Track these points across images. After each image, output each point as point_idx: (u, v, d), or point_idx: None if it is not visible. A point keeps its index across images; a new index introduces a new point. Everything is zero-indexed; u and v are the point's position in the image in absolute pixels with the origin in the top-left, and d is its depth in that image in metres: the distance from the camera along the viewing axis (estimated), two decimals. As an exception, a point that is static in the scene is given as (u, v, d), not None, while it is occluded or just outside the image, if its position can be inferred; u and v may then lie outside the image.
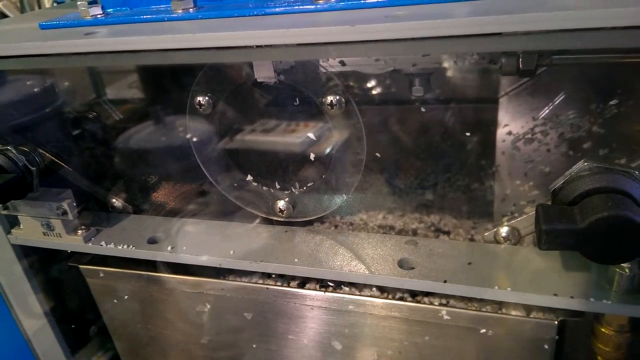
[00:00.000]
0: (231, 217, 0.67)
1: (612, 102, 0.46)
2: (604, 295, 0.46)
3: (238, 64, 0.57)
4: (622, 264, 0.45)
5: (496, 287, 0.49)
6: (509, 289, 0.49)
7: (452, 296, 0.56)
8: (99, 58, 0.52)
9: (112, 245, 0.64)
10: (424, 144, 0.59)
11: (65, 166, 0.68)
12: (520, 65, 0.47)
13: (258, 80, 0.56)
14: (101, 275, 0.69)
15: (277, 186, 0.63)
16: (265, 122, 0.61)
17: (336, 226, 0.64)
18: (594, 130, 0.48)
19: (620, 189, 0.39)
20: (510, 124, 0.51)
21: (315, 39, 0.42)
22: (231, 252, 0.60)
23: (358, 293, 0.58)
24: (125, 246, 0.63)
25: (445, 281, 0.51)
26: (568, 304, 0.47)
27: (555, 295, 0.47)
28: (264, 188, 0.63)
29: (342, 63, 0.55)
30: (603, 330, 0.49)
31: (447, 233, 0.59)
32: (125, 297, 0.70)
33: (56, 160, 0.67)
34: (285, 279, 0.62)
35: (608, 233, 0.38)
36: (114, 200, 0.71)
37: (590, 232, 0.38)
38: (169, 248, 0.62)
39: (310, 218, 0.63)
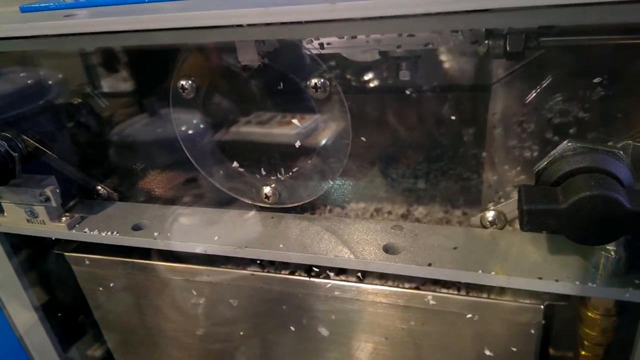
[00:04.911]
0: (217, 205, 0.66)
1: (597, 85, 0.45)
2: (589, 278, 0.46)
3: (222, 47, 0.56)
4: (608, 247, 0.45)
5: (480, 271, 0.49)
6: (493, 272, 0.48)
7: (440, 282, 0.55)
8: (79, 40, 0.51)
9: (96, 232, 0.63)
10: (411, 129, 0.58)
11: (49, 152, 0.67)
12: (508, 48, 0.46)
13: (242, 63, 0.56)
14: (87, 262, 0.69)
15: (263, 172, 0.62)
16: (250, 107, 0.60)
17: (323, 212, 0.63)
18: (580, 113, 0.47)
19: (604, 168, 0.39)
20: (496, 107, 0.50)
21: (296, 17, 0.42)
22: (216, 238, 0.59)
23: (344, 279, 0.58)
24: (109, 233, 0.62)
25: (430, 265, 0.50)
26: (553, 287, 0.46)
27: (540, 278, 0.47)
28: (250, 174, 0.62)
29: (322, 46, 0.54)
30: (589, 314, 0.49)
31: (433, 218, 0.59)
32: (111, 284, 0.69)
33: (39, 146, 0.66)
34: (272, 265, 0.62)
35: (591, 213, 0.37)
36: (99, 187, 0.70)
37: (572, 212, 0.37)
38: (155, 234, 0.61)
39: (296, 204, 0.62)
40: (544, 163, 0.42)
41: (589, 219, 0.37)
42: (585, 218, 0.37)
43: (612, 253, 0.45)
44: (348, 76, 0.57)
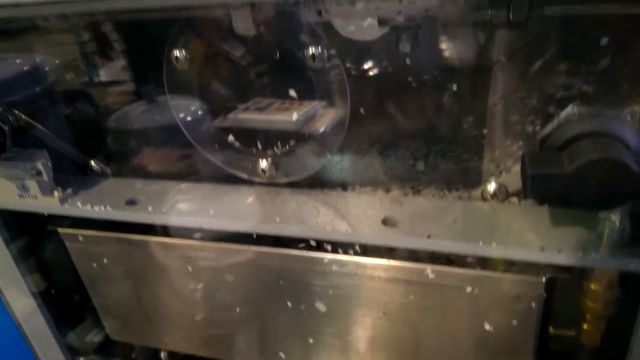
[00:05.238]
0: (213, 181, 0.65)
1: (602, 52, 0.44)
2: (593, 248, 0.44)
3: (216, 16, 0.54)
4: (612, 217, 0.44)
5: (481, 242, 0.48)
6: (494, 244, 0.47)
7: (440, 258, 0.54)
8: (69, 5, 0.49)
9: (89, 207, 0.62)
10: (411, 102, 0.56)
11: (40, 127, 0.65)
12: (511, 17, 0.45)
13: (237, 32, 0.54)
14: (80, 239, 0.68)
15: (259, 146, 0.60)
16: (246, 80, 0.59)
17: (321, 187, 0.62)
18: (585, 84, 0.46)
19: (611, 132, 0.37)
20: (497, 78, 0.49)
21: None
22: (211, 212, 0.58)
23: (341, 253, 0.57)
24: (102, 207, 0.61)
25: (429, 236, 0.49)
26: (556, 258, 0.45)
27: (543, 249, 0.46)
28: (246, 148, 0.61)
29: (319, 14, 0.52)
30: (592, 286, 0.48)
31: (434, 192, 0.57)
32: (105, 261, 0.68)
33: (31, 120, 0.65)
34: (269, 240, 0.61)
35: (597, 177, 0.36)
36: (92, 163, 0.69)
37: (578, 176, 0.36)
38: (149, 208, 0.60)
39: (293, 179, 0.61)
40: (548, 129, 0.41)
41: (595, 183, 0.36)
42: (592, 182, 0.36)
43: (617, 223, 0.44)
44: (346, 46, 0.56)
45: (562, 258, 0.45)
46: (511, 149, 0.52)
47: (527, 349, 0.53)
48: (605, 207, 0.39)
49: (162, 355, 0.88)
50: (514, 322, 0.52)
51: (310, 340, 0.64)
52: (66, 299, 0.83)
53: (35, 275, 0.79)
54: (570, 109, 0.40)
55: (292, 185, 0.61)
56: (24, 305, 0.79)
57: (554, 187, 0.36)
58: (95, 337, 0.88)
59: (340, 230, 0.53)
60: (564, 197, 0.37)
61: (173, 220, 0.59)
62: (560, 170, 0.36)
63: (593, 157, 0.35)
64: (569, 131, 0.39)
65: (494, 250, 0.47)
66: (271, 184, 0.62)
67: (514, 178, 0.52)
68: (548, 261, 0.46)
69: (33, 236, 0.77)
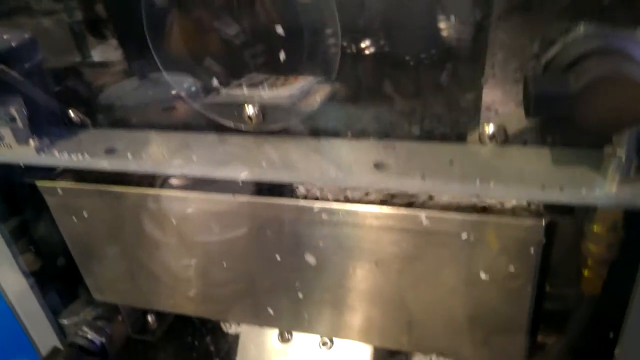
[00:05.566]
0: (197, 130, 0.62)
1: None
2: (597, 185, 0.42)
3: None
4: (618, 151, 0.41)
5: (478, 182, 0.45)
6: (492, 183, 0.44)
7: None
8: None
9: (66, 156, 0.59)
10: (406, 40, 0.53)
11: (15, 74, 0.62)
12: None
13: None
14: (59, 192, 0.65)
15: (245, 90, 0.57)
16: (229, 14, 0.55)
17: (311, 135, 0.58)
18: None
19: (621, 50, 0.34)
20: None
21: None
22: (194, 158, 0.55)
23: (331, 199, 0.54)
24: (80, 156, 0.58)
25: (423, 177, 0.47)
26: (557, 196, 0.42)
27: (543, 187, 0.43)
28: (231, 93, 0.58)
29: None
30: (595, 228, 0.45)
31: (429, 135, 0.54)
32: (86, 215, 0.65)
33: (4, 67, 0.61)
34: (255, 188, 0.58)
35: (606, 96, 0.33)
36: (71, 112, 0.65)
37: (585, 96, 0.33)
38: (129, 156, 0.57)
39: (281, 126, 0.58)
40: (552, 52, 0.38)
41: (603, 103, 0.33)
42: (600, 103, 0.33)
43: (623, 158, 0.41)
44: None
45: (564, 196, 0.42)
46: (512, 91, 0.49)
47: (525, 299, 0.51)
48: (614, 131, 0.36)
49: (150, 319, 0.86)
50: (512, 270, 0.50)
51: (300, 295, 0.62)
52: (51, 264, 0.81)
53: (20, 241, 0.77)
54: (577, 30, 0.37)
55: (281, 133, 0.58)
56: (11, 279, 0.77)
57: (559, 108, 0.33)
58: (87, 316, 0.86)
59: (330, 174, 0.50)
60: (570, 118, 0.34)
61: (154, 167, 0.56)
62: (565, 90, 0.33)
63: (602, 74, 0.32)
64: (575, 50, 0.36)
65: (492, 190, 0.44)
66: (258, 133, 0.59)
67: (513, 119, 0.49)
68: (549, 200, 0.43)
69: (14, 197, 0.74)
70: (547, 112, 0.34)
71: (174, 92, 0.60)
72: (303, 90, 0.55)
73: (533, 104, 0.34)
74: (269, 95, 0.55)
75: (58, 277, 0.81)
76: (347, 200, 0.54)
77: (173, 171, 0.55)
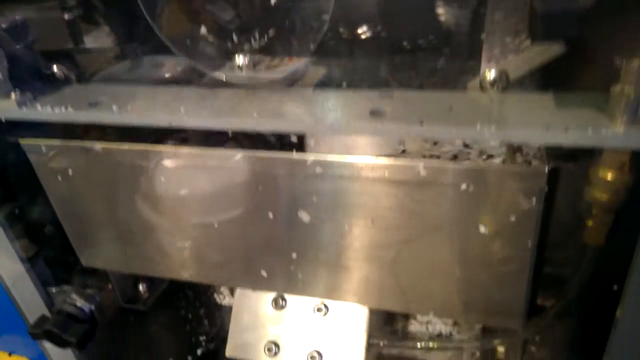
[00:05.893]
0: (185, 83, 0.59)
1: None
2: (604, 125, 0.40)
3: None
4: (627, 89, 0.39)
5: (478, 126, 0.43)
6: (493, 127, 0.42)
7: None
8: None
9: (49, 109, 0.56)
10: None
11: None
12: None
13: None
14: (43, 149, 0.62)
15: (235, 40, 0.55)
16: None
17: (304, 86, 0.56)
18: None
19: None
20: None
21: None
22: (182, 110, 0.52)
23: (325, 152, 0.52)
24: (63, 109, 0.56)
25: (421, 123, 0.44)
26: (561, 137, 0.41)
27: (547, 128, 0.41)
28: (220, 42, 0.55)
29: None
30: (600, 174, 0.44)
31: (426, 84, 0.52)
32: (71, 173, 0.63)
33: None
34: (247, 141, 0.56)
35: (618, 12, 0.31)
36: (54, 67, 0.63)
37: (596, 10, 0.31)
38: (113, 108, 0.54)
39: (274, 77, 0.55)
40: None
41: (614, 18, 0.31)
42: (611, 17, 0.31)
43: (631, 95, 0.39)
44: None
45: (569, 137, 0.40)
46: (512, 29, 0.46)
47: (526, 252, 0.49)
48: (625, 58, 0.33)
49: (141, 288, 0.84)
50: (512, 220, 0.48)
51: (294, 255, 0.60)
52: (40, 232, 0.79)
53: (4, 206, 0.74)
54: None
55: (273, 84, 0.56)
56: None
57: (568, 24, 0.31)
58: (77, 284, 0.84)
59: (325, 123, 0.48)
60: (578, 39, 0.32)
61: (140, 119, 0.53)
62: (574, 5, 0.31)
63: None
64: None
65: (493, 134, 0.42)
66: (249, 85, 0.56)
67: (516, 62, 0.47)
68: (553, 142, 0.41)
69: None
70: (555, 32, 0.32)
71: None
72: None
73: (540, 23, 0.31)
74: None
75: (47, 245, 0.80)
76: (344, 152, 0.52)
77: (160, 123, 0.52)
